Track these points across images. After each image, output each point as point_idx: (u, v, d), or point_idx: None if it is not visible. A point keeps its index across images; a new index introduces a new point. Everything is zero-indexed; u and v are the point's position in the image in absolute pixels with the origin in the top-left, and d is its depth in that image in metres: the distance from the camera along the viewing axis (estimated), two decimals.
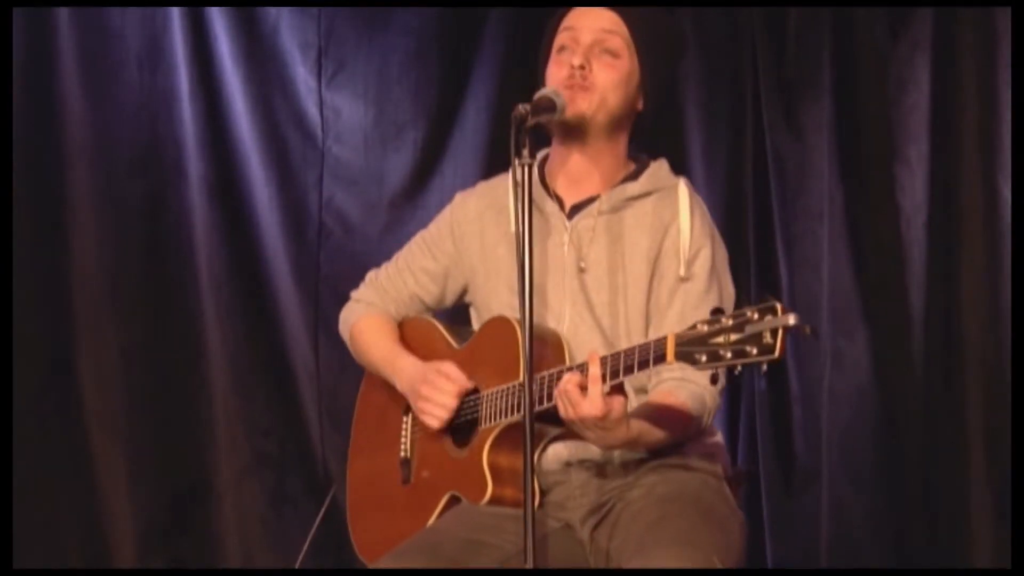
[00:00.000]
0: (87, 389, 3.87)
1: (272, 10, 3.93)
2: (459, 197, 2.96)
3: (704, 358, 2.26)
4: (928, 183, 3.58)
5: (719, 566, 2.43)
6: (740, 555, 2.62)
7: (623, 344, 2.64)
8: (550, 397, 2.52)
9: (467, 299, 2.95)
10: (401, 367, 2.87)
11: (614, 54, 2.72)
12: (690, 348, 2.29)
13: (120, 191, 3.90)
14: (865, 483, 3.65)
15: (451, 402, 2.73)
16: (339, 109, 3.96)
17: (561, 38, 2.76)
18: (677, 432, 2.62)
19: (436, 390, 2.75)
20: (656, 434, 2.58)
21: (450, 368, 2.76)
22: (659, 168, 2.81)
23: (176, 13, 3.89)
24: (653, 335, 2.63)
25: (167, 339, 3.94)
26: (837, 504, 3.65)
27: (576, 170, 2.79)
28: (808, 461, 3.71)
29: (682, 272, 2.69)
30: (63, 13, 3.82)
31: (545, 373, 2.56)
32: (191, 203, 3.92)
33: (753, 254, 3.76)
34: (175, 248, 3.93)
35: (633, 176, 2.79)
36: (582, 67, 2.69)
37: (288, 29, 3.93)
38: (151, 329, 3.93)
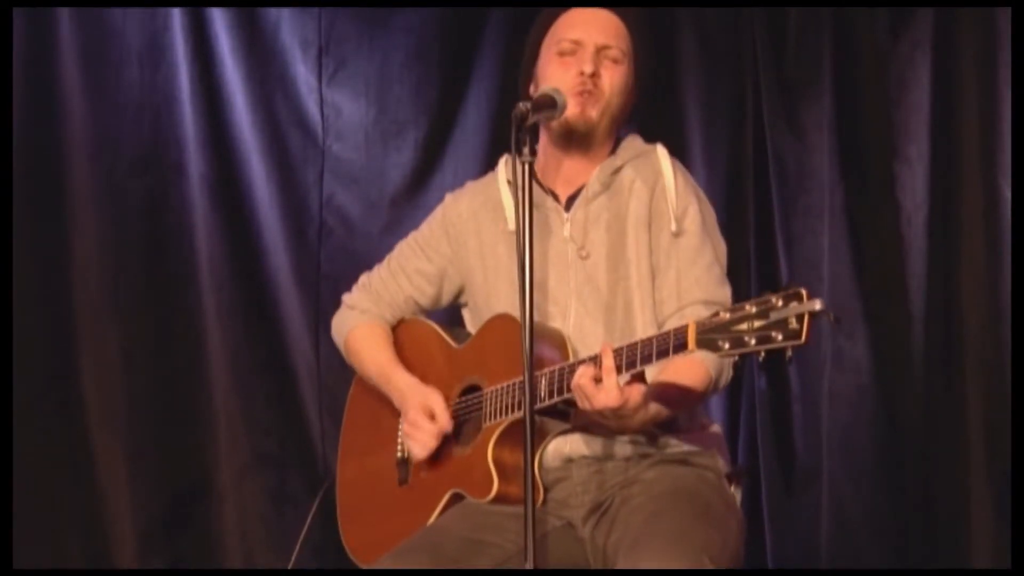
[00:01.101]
0: (87, 389, 3.87)
1: (273, 9, 3.93)
2: (450, 198, 2.97)
3: (727, 345, 2.26)
4: (928, 182, 3.58)
5: (710, 566, 2.42)
6: (736, 552, 2.61)
7: (626, 334, 2.65)
8: (553, 394, 2.53)
9: (462, 299, 2.96)
10: (396, 387, 2.88)
11: (618, 60, 2.77)
12: (712, 335, 2.29)
13: (121, 190, 3.89)
14: (865, 483, 3.65)
15: (432, 443, 2.76)
16: (340, 108, 3.96)
17: (563, 42, 2.78)
18: (695, 399, 2.65)
19: (419, 430, 2.77)
20: (675, 407, 2.60)
21: (436, 402, 2.78)
22: (633, 140, 2.86)
23: (177, 12, 3.89)
24: (656, 296, 2.68)
25: (167, 339, 3.93)
26: (837, 504, 3.65)
27: (574, 169, 2.82)
28: (808, 461, 3.70)
29: (673, 228, 2.72)
30: (64, 12, 3.82)
31: (549, 370, 2.56)
32: (192, 202, 3.92)
33: (753, 254, 3.76)
34: (175, 247, 3.93)
35: (611, 153, 2.83)
36: (593, 75, 2.72)
37: (289, 28, 3.93)
38: (151, 329, 3.92)
